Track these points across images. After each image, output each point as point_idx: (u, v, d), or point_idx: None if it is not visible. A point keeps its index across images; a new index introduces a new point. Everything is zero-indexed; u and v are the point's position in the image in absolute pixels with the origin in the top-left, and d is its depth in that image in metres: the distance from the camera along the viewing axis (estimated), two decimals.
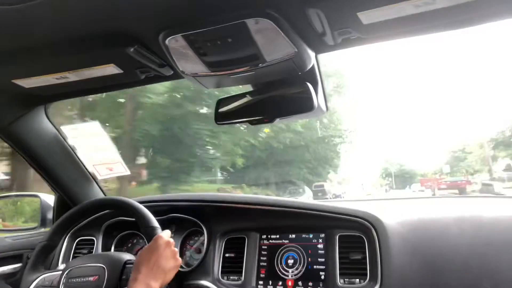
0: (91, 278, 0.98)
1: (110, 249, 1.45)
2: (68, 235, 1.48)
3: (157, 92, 8.73)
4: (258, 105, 1.08)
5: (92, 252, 1.42)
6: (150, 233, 1.02)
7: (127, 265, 1.00)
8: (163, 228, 1.06)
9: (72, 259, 1.41)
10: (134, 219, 1.10)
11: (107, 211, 1.41)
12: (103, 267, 0.99)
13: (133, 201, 1.10)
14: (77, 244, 1.49)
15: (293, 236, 1.24)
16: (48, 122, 1.43)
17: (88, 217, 1.41)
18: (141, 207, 1.08)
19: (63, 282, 1.01)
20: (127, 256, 1.04)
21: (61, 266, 1.22)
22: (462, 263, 1.00)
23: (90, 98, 8.10)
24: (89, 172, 1.61)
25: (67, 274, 1.02)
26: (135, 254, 1.43)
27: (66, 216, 1.16)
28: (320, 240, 1.20)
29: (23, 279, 1.10)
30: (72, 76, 1.02)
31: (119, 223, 1.44)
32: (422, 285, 1.00)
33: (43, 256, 1.16)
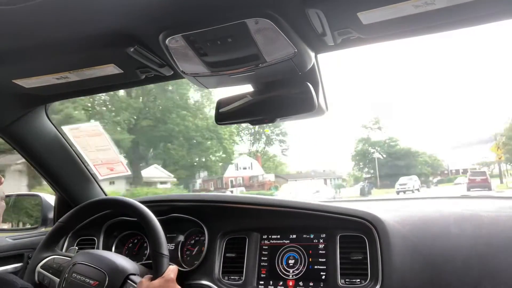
0: (91, 282, 0.97)
1: (111, 249, 1.45)
2: (69, 235, 1.49)
3: None
4: (259, 105, 1.08)
5: None
6: (158, 260, 1.01)
7: (128, 280, 0.99)
8: (163, 228, 1.06)
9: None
10: (135, 219, 1.10)
11: (108, 211, 1.41)
12: (105, 274, 0.98)
13: (151, 216, 1.07)
14: (78, 244, 1.49)
15: (294, 236, 1.24)
16: (48, 122, 1.43)
17: (103, 212, 1.41)
18: (157, 225, 1.05)
19: (67, 273, 1.02)
20: (131, 268, 1.03)
21: (72, 251, 1.22)
22: (463, 263, 1.00)
23: None
24: (90, 172, 1.62)
25: (72, 267, 1.02)
26: (135, 255, 1.44)
27: (86, 204, 1.17)
28: (321, 240, 1.20)
29: (35, 254, 1.12)
30: (72, 76, 1.02)
31: (120, 223, 1.44)
32: (422, 285, 1.00)
33: (57, 237, 1.18)
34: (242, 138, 30.68)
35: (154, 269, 0.99)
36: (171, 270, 1.00)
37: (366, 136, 28.09)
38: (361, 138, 28.00)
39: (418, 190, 19.77)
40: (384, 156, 26.22)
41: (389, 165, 24.31)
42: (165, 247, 1.02)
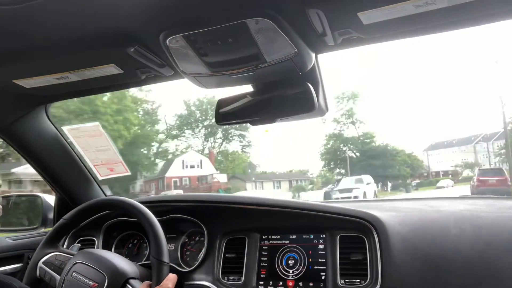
0: (90, 283, 0.97)
1: (111, 250, 1.45)
2: (69, 235, 1.49)
3: None
4: (259, 105, 1.08)
5: None
6: (158, 268, 0.99)
7: (128, 285, 0.98)
8: (163, 228, 1.06)
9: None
10: (135, 219, 1.10)
11: (108, 211, 1.41)
12: (105, 277, 0.97)
13: (155, 221, 1.06)
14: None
15: (294, 236, 1.24)
16: (48, 122, 1.43)
17: (106, 211, 1.40)
18: (160, 231, 1.04)
19: (67, 272, 1.01)
20: (131, 272, 1.02)
21: (74, 248, 1.22)
22: (463, 263, 1.00)
23: None
24: (90, 172, 1.62)
25: (72, 266, 1.02)
26: (135, 255, 1.44)
27: (91, 204, 1.16)
28: (321, 241, 1.20)
29: (38, 250, 1.12)
30: (72, 76, 1.02)
31: (120, 223, 1.44)
32: (422, 285, 1.00)
33: (61, 233, 1.18)
34: (194, 131, 27.19)
35: (153, 277, 0.99)
36: (170, 280, 0.98)
37: (337, 132, 24.48)
38: (332, 134, 24.40)
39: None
40: (358, 154, 22.78)
41: (362, 164, 20.74)
42: (166, 255, 1.01)
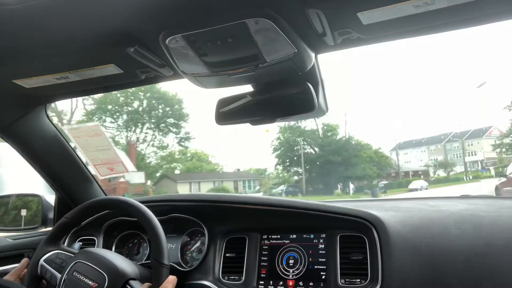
0: (91, 283, 0.97)
1: (111, 249, 1.45)
2: (69, 235, 1.49)
3: None
4: (259, 105, 1.08)
5: None
6: (158, 270, 1.00)
7: (128, 286, 0.98)
8: (164, 228, 1.06)
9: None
10: (135, 219, 1.10)
11: (108, 211, 1.41)
12: (105, 277, 0.97)
13: (156, 222, 1.06)
14: None
15: (294, 236, 1.25)
16: (48, 122, 1.43)
17: (107, 210, 1.40)
18: (161, 233, 1.04)
19: (68, 271, 1.01)
20: (131, 273, 1.02)
21: (75, 246, 1.23)
22: (463, 263, 1.00)
23: None
24: (90, 172, 1.62)
25: (73, 265, 1.02)
26: (135, 254, 1.44)
27: (92, 203, 1.17)
28: (321, 240, 1.20)
29: (39, 247, 1.12)
30: (72, 76, 1.02)
31: (120, 223, 1.45)
32: (422, 285, 1.00)
33: (62, 232, 1.18)
34: (113, 118, 21.83)
35: (153, 279, 0.99)
36: (169, 282, 0.98)
37: (294, 124, 19.77)
38: (287, 126, 19.86)
39: None
40: (317, 149, 18.93)
41: (321, 162, 17.33)
42: (167, 257, 1.01)
